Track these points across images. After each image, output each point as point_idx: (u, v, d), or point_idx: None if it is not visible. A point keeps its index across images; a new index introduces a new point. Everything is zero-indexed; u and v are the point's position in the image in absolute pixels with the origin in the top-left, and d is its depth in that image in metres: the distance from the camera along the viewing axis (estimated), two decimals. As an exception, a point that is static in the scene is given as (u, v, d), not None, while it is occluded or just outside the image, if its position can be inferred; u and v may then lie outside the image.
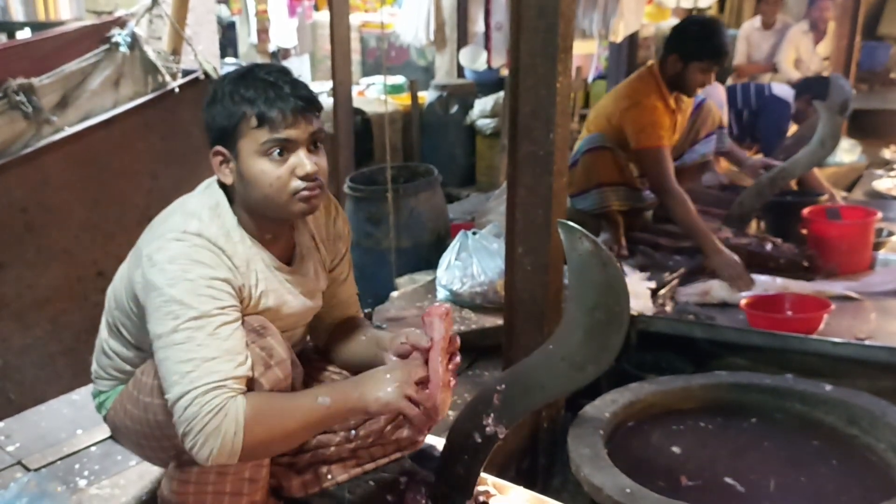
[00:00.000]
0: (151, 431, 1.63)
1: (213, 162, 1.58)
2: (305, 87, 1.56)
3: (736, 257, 3.27)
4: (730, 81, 6.28)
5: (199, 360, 1.41)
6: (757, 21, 6.86)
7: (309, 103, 1.53)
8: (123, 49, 2.75)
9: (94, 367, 1.83)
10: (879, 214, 3.59)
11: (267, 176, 1.52)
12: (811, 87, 4.70)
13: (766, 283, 3.19)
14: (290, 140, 1.51)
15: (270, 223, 1.61)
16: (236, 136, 1.52)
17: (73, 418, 2.13)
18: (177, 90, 2.82)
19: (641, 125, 3.41)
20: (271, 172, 1.52)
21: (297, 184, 1.53)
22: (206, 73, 2.88)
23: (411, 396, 1.48)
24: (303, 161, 1.52)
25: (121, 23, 2.77)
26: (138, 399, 1.64)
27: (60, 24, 4.44)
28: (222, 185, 1.61)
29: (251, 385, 1.49)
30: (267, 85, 1.51)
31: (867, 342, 2.70)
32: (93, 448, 2.00)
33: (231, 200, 1.60)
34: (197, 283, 1.46)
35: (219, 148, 1.56)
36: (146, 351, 1.63)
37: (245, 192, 1.56)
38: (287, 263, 1.68)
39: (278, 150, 1.51)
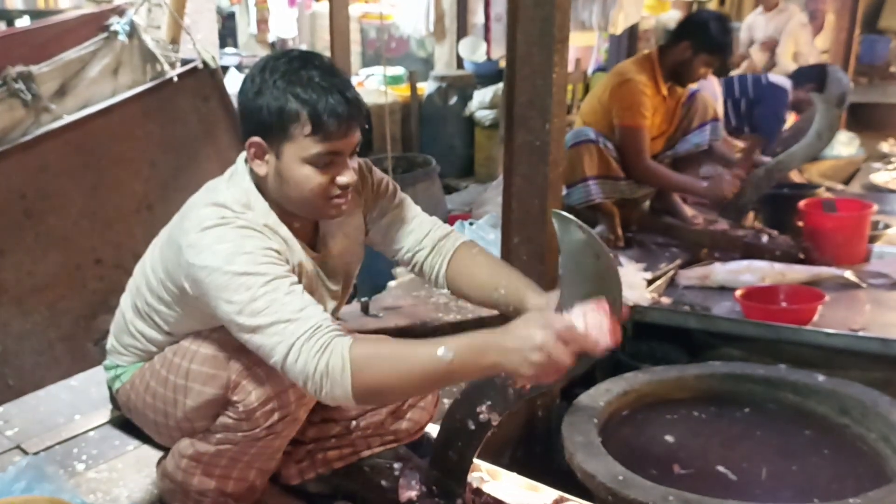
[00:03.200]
0: (174, 412, 1.64)
1: (249, 152, 1.55)
2: (353, 90, 1.51)
3: (720, 171, 3.49)
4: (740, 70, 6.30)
5: (289, 314, 1.39)
6: (759, 9, 6.88)
7: (359, 111, 1.50)
8: (122, 37, 2.75)
9: (111, 342, 1.82)
10: (875, 207, 3.60)
11: (310, 182, 1.50)
12: (809, 76, 4.71)
13: (764, 270, 3.22)
14: (339, 152, 1.50)
15: (298, 214, 1.61)
16: (283, 137, 1.49)
17: (71, 403, 2.14)
18: (175, 79, 2.83)
19: (628, 103, 3.47)
20: (314, 179, 1.50)
21: (335, 191, 1.53)
22: (204, 62, 2.88)
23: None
24: (345, 172, 1.52)
25: (119, 11, 2.77)
26: (167, 379, 1.64)
27: (59, 12, 4.45)
28: (249, 173, 1.59)
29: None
30: (323, 89, 1.45)
31: (860, 333, 2.72)
32: (91, 432, 2.01)
33: (258, 189, 1.58)
34: (255, 254, 1.44)
35: (258, 140, 1.52)
36: (178, 337, 1.66)
37: (280, 188, 1.55)
38: (312, 247, 1.68)
39: (324, 161, 1.49)
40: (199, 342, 1.61)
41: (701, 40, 3.41)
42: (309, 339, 1.37)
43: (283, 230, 1.58)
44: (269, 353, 1.40)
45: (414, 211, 1.82)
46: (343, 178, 1.52)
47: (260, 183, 1.58)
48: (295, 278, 1.47)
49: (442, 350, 1.31)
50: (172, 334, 1.68)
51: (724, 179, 3.53)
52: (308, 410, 1.65)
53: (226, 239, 1.45)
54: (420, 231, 1.79)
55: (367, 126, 1.53)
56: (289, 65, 1.48)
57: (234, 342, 1.51)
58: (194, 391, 1.58)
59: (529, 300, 1.63)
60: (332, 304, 1.75)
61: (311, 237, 1.69)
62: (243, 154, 1.60)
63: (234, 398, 1.53)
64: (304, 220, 1.64)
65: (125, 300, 1.79)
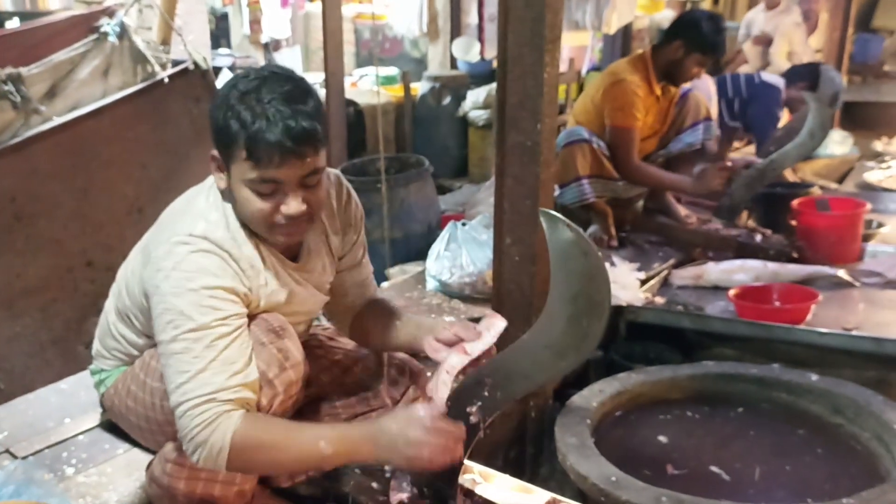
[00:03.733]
0: (154, 415, 1.66)
1: (210, 164, 1.55)
2: (308, 116, 1.44)
3: (706, 168, 3.50)
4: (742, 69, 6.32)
5: (193, 372, 1.43)
6: (761, 5, 6.90)
7: (302, 143, 1.43)
8: (112, 39, 2.75)
9: (96, 346, 1.85)
10: (869, 206, 3.60)
11: (250, 205, 1.50)
12: (801, 75, 4.71)
13: (757, 269, 3.21)
14: (276, 181, 1.47)
15: None
16: (228, 156, 1.49)
17: (61, 407, 2.13)
18: (166, 80, 2.82)
19: (620, 103, 3.47)
20: (255, 203, 1.49)
21: (279, 219, 1.51)
22: (195, 64, 2.88)
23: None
24: (288, 202, 1.49)
25: (110, 13, 2.76)
26: (145, 382, 1.67)
27: (49, 13, 4.44)
28: None
29: (264, 385, 1.51)
30: (263, 115, 1.42)
31: (854, 332, 2.72)
32: (80, 436, 1.99)
33: None
34: (199, 293, 1.46)
35: (215, 154, 1.53)
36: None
37: (232, 205, 1.56)
38: (294, 258, 1.68)
39: (264, 189, 1.47)
40: None
41: (693, 40, 3.41)
42: (196, 406, 1.42)
43: (248, 249, 1.57)
44: (168, 386, 1.48)
45: (370, 268, 1.93)
46: (287, 209, 1.49)
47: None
48: (231, 327, 1.48)
49: (322, 443, 1.43)
50: (151, 337, 1.67)
51: (709, 173, 3.53)
52: (286, 412, 1.64)
53: (181, 267, 1.48)
54: (366, 292, 1.90)
55: (316, 149, 1.49)
56: (251, 83, 1.46)
57: None
58: None
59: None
60: (309, 316, 1.79)
61: (295, 248, 1.68)
62: None
63: None
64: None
65: (108, 303, 1.81)
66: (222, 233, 1.54)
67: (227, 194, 1.55)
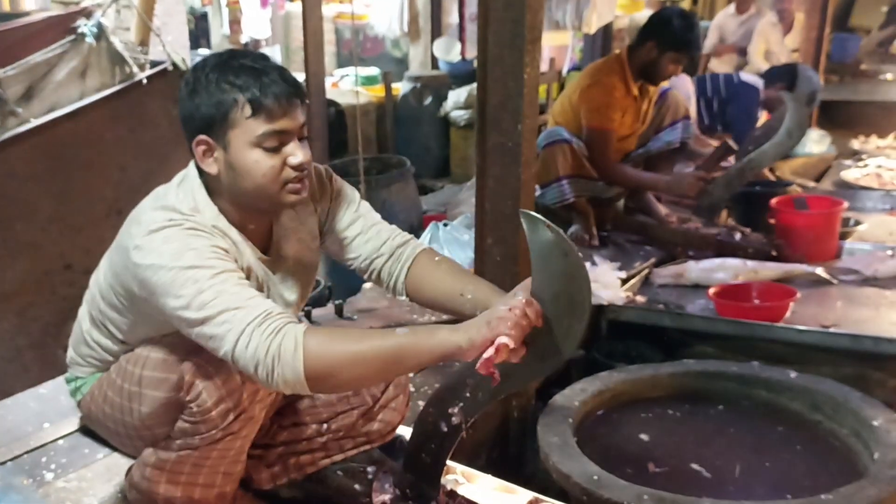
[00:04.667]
0: (132, 421, 1.63)
1: (196, 152, 1.53)
2: (290, 73, 1.52)
3: (683, 172, 3.61)
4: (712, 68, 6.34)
5: (239, 302, 1.38)
6: (731, 8, 6.92)
7: (300, 92, 1.51)
8: (90, 40, 2.72)
9: (70, 353, 1.82)
10: (846, 204, 3.64)
11: (260, 166, 1.50)
12: (780, 75, 4.75)
13: (737, 267, 3.24)
14: (285, 131, 1.50)
15: (254, 213, 1.60)
16: (226, 126, 1.49)
17: (40, 412, 2.11)
18: (145, 81, 2.80)
19: (597, 105, 3.50)
20: (265, 163, 1.50)
21: (288, 173, 1.52)
22: (174, 64, 2.85)
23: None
24: (295, 152, 1.51)
25: (87, 13, 2.73)
26: (122, 388, 1.64)
27: (25, 14, 4.38)
28: (201, 177, 1.57)
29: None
30: (257, 72, 1.47)
31: (832, 329, 2.75)
32: (60, 441, 1.98)
33: (210, 192, 1.57)
34: (202, 250, 1.43)
35: (204, 138, 1.51)
36: (133, 345, 1.65)
37: (233, 181, 1.53)
38: (265, 251, 1.66)
39: (272, 143, 1.49)
40: (150, 348, 1.60)
41: (666, 39, 3.42)
42: (260, 324, 1.37)
43: (233, 233, 1.57)
44: (219, 343, 1.39)
45: (373, 218, 1.80)
46: (294, 159, 1.51)
47: (212, 184, 1.57)
48: (243, 275, 1.47)
49: (399, 329, 1.38)
50: (126, 342, 1.67)
51: (685, 178, 3.59)
52: (265, 408, 1.64)
53: (172, 239, 1.44)
54: (378, 239, 1.77)
55: (307, 103, 1.54)
56: (218, 59, 1.51)
57: (185, 345, 1.51)
58: (148, 397, 1.57)
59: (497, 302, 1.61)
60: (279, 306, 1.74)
61: (265, 241, 1.67)
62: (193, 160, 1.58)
63: (187, 398, 1.51)
64: (258, 222, 1.63)
65: (82, 310, 1.79)
66: (200, 218, 1.52)
67: (224, 174, 1.52)
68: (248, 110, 1.47)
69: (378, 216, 1.82)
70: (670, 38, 3.42)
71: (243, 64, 1.48)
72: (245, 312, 1.37)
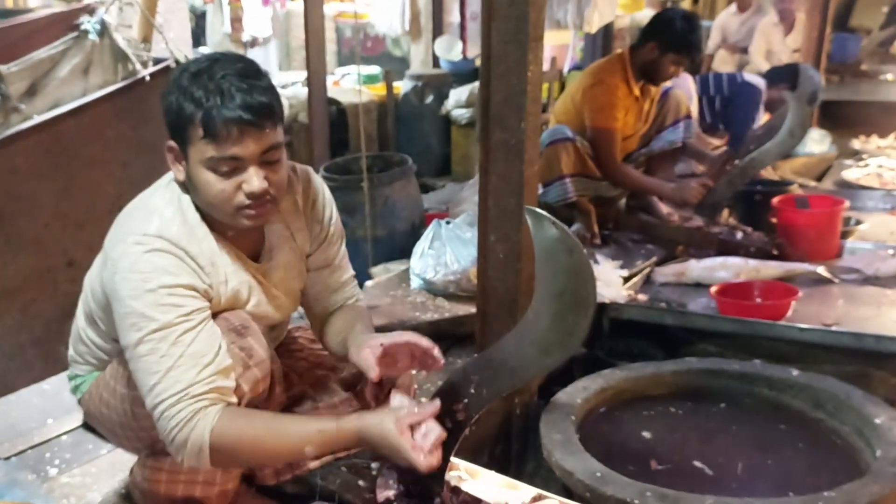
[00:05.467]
0: (127, 421, 1.63)
1: (168, 156, 1.53)
2: (264, 91, 1.44)
3: (686, 183, 3.61)
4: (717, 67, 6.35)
5: (162, 372, 1.42)
6: (733, 7, 6.93)
7: (260, 116, 1.42)
8: (93, 37, 2.72)
9: (70, 351, 1.82)
10: (847, 203, 3.64)
11: (212, 188, 1.46)
12: (782, 76, 4.75)
13: (738, 266, 3.24)
14: (236, 158, 1.44)
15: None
16: (185, 140, 1.46)
17: (43, 407, 2.12)
18: (147, 78, 2.80)
19: (600, 104, 3.50)
20: (215, 185, 1.46)
21: (242, 199, 1.47)
22: (177, 61, 2.85)
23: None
24: (250, 179, 1.45)
25: (90, 10, 2.74)
26: (115, 389, 1.64)
27: (29, 11, 4.38)
28: None
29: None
30: (217, 90, 1.40)
31: (833, 328, 2.75)
32: (63, 437, 1.98)
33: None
34: (158, 293, 1.43)
35: (171, 144, 1.50)
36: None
37: (193, 194, 1.52)
38: (256, 257, 1.65)
39: (224, 167, 1.45)
40: None
41: (667, 40, 3.43)
42: (172, 406, 1.42)
43: (209, 243, 1.54)
44: (142, 393, 1.46)
45: (342, 277, 1.85)
46: (248, 187, 1.46)
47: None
48: (195, 321, 1.46)
49: (308, 449, 1.44)
50: (117, 341, 1.65)
51: (689, 186, 3.60)
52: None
53: (137, 268, 1.45)
54: (331, 299, 1.83)
55: (273, 124, 1.47)
56: (201, 64, 1.46)
57: None
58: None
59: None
60: (276, 316, 1.73)
61: (256, 247, 1.65)
62: None
63: None
64: (237, 231, 1.58)
65: (78, 309, 1.79)
66: (177, 228, 1.50)
67: (188, 185, 1.52)
68: (200, 132, 1.43)
69: (349, 273, 1.86)
70: (671, 39, 3.42)
71: (213, 76, 1.42)
72: (164, 385, 1.43)
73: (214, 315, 1.54)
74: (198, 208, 1.55)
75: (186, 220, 1.52)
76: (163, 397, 1.41)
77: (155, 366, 1.42)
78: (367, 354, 1.57)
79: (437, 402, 1.51)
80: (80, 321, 1.76)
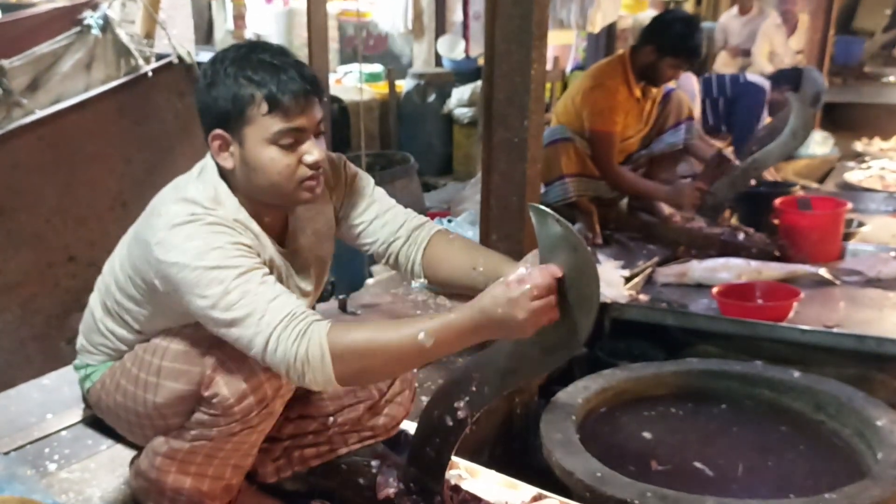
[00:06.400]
0: (146, 410, 1.63)
1: (212, 146, 1.53)
2: (309, 69, 1.51)
3: (682, 183, 3.62)
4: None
5: (263, 305, 1.40)
6: (734, 9, 6.92)
7: (317, 88, 1.50)
8: (95, 32, 2.71)
9: (81, 341, 1.81)
10: (849, 205, 3.64)
11: (276, 164, 1.49)
12: (786, 78, 4.75)
13: (740, 267, 3.24)
14: (301, 129, 1.48)
15: (269, 207, 1.59)
16: (242, 122, 1.48)
17: (43, 402, 2.11)
18: (150, 74, 2.79)
19: (599, 108, 3.49)
20: (280, 161, 1.49)
21: (304, 171, 1.51)
22: (180, 58, 2.85)
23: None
24: (311, 150, 1.50)
25: (93, 5, 2.72)
26: (137, 377, 1.63)
27: (31, 5, 4.37)
28: (218, 169, 1.57)
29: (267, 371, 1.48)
30: (275, 68, 1.46)
31: (835, 330, 2.75)
32: (63, 432, 1.97)
33: (227, 184, 1.56)
34: (225, 248, 1.43)
35: (220, 132, 1.51)
36: (149, 335, 1.65)
37: (248, 178, 1.53)
38: (281, 243, 1.66)
39: (288, 140, 1.48)
40: (170, 339, 1.59)
41: (665, 44, 3.41)
42: (285, 327, 1.38)
43: (254, 226, 1.57)
44: (248, 344, 1.41)
45: (388, 203, 1.80)
46: (310, 157, 1.50)
47: (228, 177, 1.56)
48: (267, 270, 1.47)
49: (422, 335, 1.34)
50: (143, 332, 1.66)
51: (684, 190, 3.59)
52: (283, 403, 1.63)
53: (195, 236, 1.44)
54: (394, 222, 1.77)
55: (325, 99, 1.53)
56: (237, 52, 1.50)
57: (205, 337, 1.51)
58: (166, 388, 1.57)
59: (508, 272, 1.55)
60: (302, 302, 1.73)
61: (280, 232, 1.66)
62: None
63: (208, 393, 1.51)
64: (275, 215, 1.62)
65: (94, 299, 1.78)
66: (222, 211, 1.51)
67: (241, 170, 1.52)
68: (264, 107, 1.46)
69: (392, 200, 1.82)
70: (669, 43, 3.40)
71: (262, 59, 1.47)
72: (271, 316, 1.39)
73: None
74: (234, 197, 1.55)
75: (227, 211, 1.53)
76: (273, 324, 1.38)
77: (253, 304, 1.39)
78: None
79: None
80: (97, 312, 1.74)
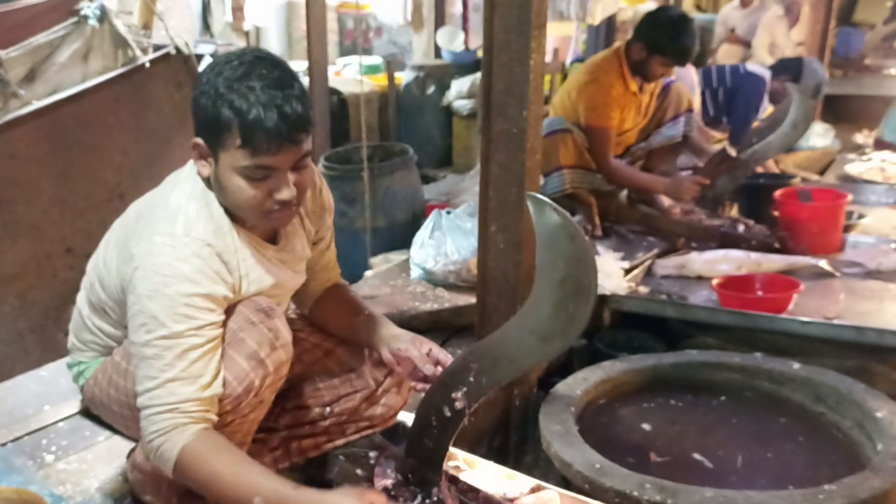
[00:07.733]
0: (137, 403, 1.63)
1: (193, 152, 1.52)
2: (300, 101, 1.44)
3: (680, 176, 3.62)
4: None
5: (161, 380, 1.44)
6: (736, 1, 6.91)
7: (297, 129, 1.43)
8: (93, 22, 2.70)
9: (72, 339, 1.83)
10: (850, 197, 3.63)
11: (242, 193, 1.47)
12: (787, 69, 4.73)
13: (740, 259, 3.24)
14: (271, 167, 1.45)
15: None
16: (217, 144, 1.46)
17: (40, 394, 2.11)
18: (147, 65, 2.78)
19: (595, 103, 3.47)
20: (247, 191, 1.47)
21: (271, 205, 1.49)
22: (177, 49, 2.84)
23: None
24: (281, 188, 1.47)
25: (90, -5, 2.72)
26: (127, 370, 1.65)
27: (29, -3, 4.36)
28: None
29: (255, 364, 1.51)
30: (257, 101, 1.40)
31: (835, 321, 2.74)
32: (60, 423, 1.97)
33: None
34: (175, 299, 1.44)
35: (199, 142, 1.50)
36: None
37: (219, 192, 1.53)
38: (272, 241, 1.66)
39: (257, 175, 1.45)
40: None
41: (654, 42, 3.37)
42: (159, 413, 1.44)
43: (233, 238, 1.56)
44: (137, 388, 1.48)
45: (330, 257, 1.89)
46: (280, 195, 1.48)
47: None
48: (203, 338, 1.46)
49: (257, 500, 1.38)
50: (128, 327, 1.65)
51: (683, 183, 3.57)
52: (274, 392, 1.63)
53: (160, 270, 1.45)
54: (318, 279, 1.88)
55: (308, 132, 1.48)
56: (234, 70, 1.44)
57: None
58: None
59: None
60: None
61: (271, 233, 1.67)
62: None
63: None
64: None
65: (81, 297, 1.79)
66: (203, 225, 1.51)
67: (214, 184, 1.53)
68: (238, 140, 1.42)
69: (333, 253, 1.92)
70: (658, 42, 3.37)
71: (252, 86, 1.41)
72: (159, 392, 1.44)
73: (240, 301, 1.56)
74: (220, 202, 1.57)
75: (212, 215, 1.53)
76: (155, 402, 1.44)
77: (155, 371, 1.44)
78: (387, 355, 1.75)
79: None
80: (83, 310, 1.76)
